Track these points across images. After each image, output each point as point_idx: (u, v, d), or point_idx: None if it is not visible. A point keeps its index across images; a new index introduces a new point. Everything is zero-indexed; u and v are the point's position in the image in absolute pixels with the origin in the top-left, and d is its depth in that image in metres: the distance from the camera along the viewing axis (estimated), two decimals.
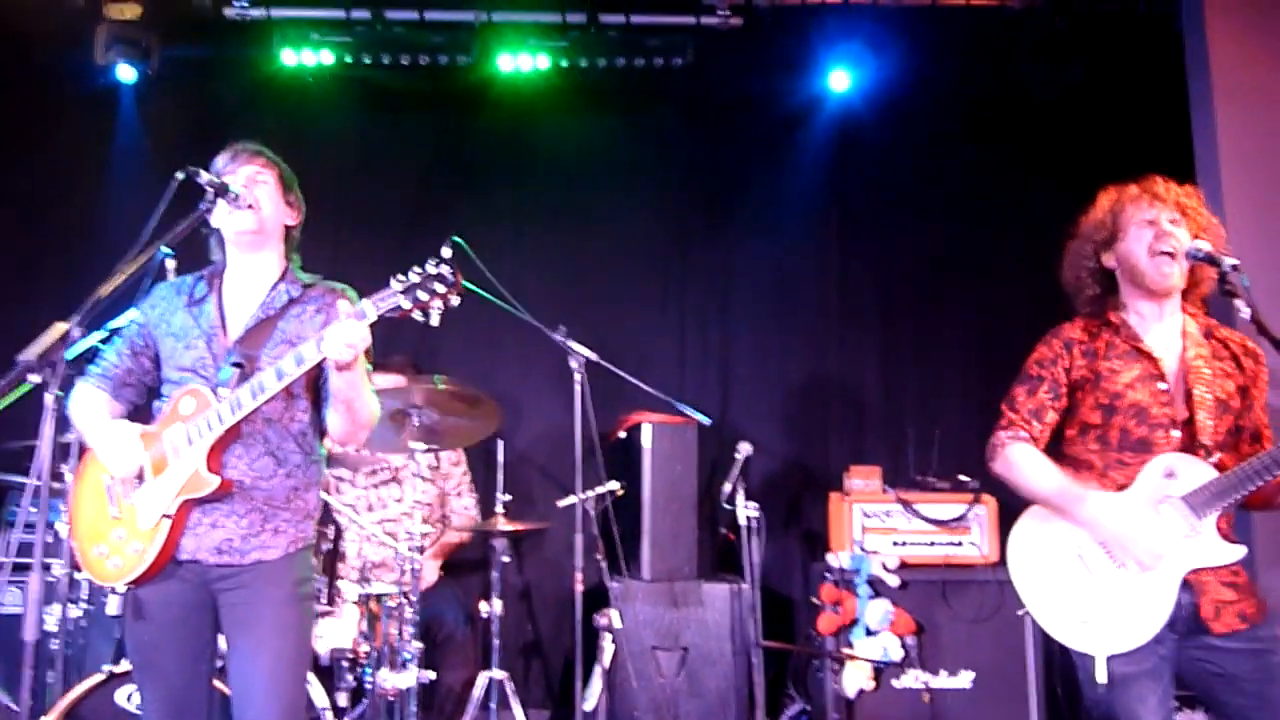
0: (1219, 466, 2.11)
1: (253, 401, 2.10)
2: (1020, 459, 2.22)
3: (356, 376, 2.13)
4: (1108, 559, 2.13)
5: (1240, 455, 2.19)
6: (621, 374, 3.42)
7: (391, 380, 3.89)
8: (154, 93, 4.56)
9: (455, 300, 2.01)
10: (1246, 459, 2.13)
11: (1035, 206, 4.50)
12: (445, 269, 1.99)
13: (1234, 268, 2.00)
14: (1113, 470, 2.17)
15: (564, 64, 4.53)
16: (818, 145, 4.68)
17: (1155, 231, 2.18)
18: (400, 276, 2.01)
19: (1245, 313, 1.96)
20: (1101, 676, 2.05)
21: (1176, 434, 2.15)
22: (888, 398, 4.64)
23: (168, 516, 2.11)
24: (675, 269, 4.72)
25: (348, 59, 4.50)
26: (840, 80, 4.61)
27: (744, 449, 3.66)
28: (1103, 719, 2.10)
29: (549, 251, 4.68)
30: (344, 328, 2.02)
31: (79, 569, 3.09)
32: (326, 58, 4.51)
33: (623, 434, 4.14)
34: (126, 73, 4.49)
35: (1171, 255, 2.15)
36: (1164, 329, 2.23)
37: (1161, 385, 2.17)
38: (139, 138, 4.54)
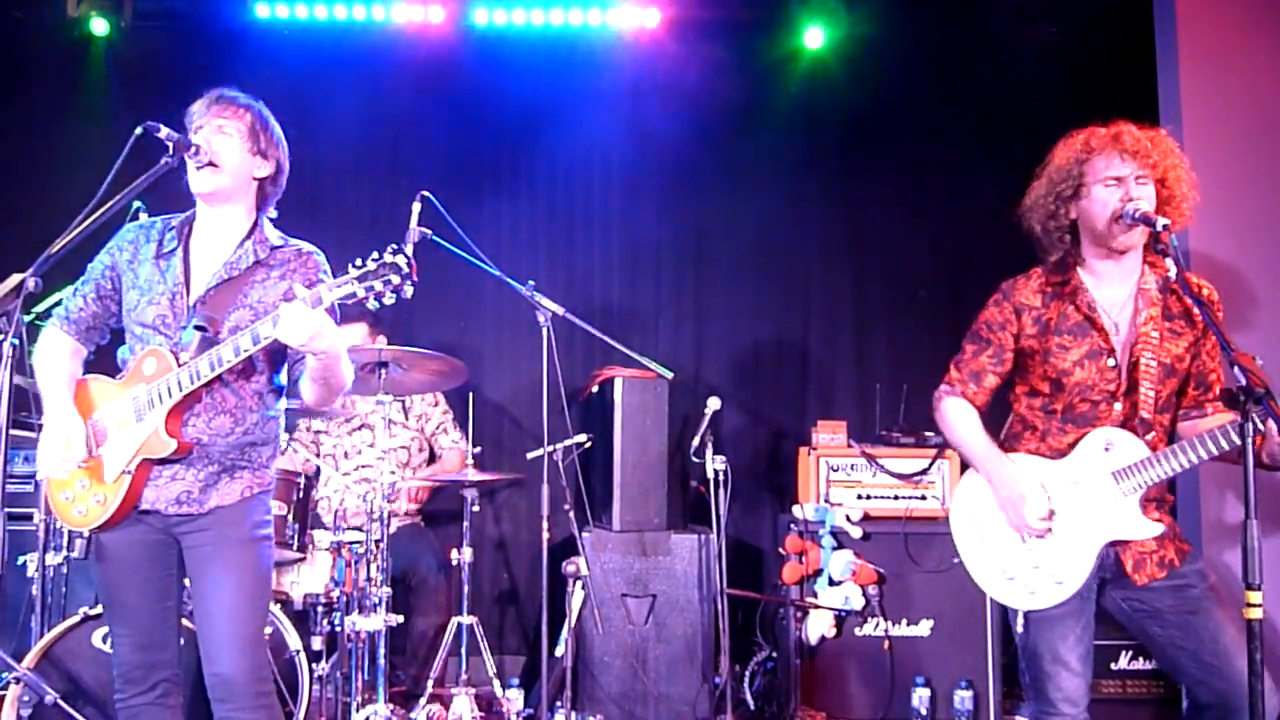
0: (1154, 444, 2.18)
1: (210, 373, 2.15)
2: (952, 415, 2.32)
3: (331, 360, 2.18)
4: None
5: (1184, 402, 2.26)
6: (588, 328, 3.47)
7: (357, 331, 3.96)
8: (127, 46, 4.55)
9: (408, 290, 2.05)
10: (1190, 419, 2.23)
11: (1008, 167, 4.50)
12: (401, 259, 2.03)
13: (1165, 228, 2.04)
14: (1053, 436, 2.24)
15: (536, 19, 4.52)
16: (792, 102, 4.69)
17: (1123, 193, 2.14)
18: (357, 263, 2.07)
19: (1173, 272, 2.01)
20: (1019, 627, 2.20)
21: (1119, 407, 2.20)
22: (859, 355, 4.71)
23: (127, 473, 2.18)
24: (651, 227, 4.76)
25: (322, 11, 4.49)
26: (814, 38, 4.60)
27: (713, 404, 3.73)
28: (1029, 653, 2.23)
29: (525, 209, 4.71)
30: (297, 315, 2.05)
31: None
32: (301, 10, 4.51)
33: (596, 388, 4.21)
34: (99, 25, 4.48)
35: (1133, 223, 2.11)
36: (1121, 289, 2.23)
37: (1110, 362, 2.19)
38: (112, 91, 4.53)
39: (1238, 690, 2.07)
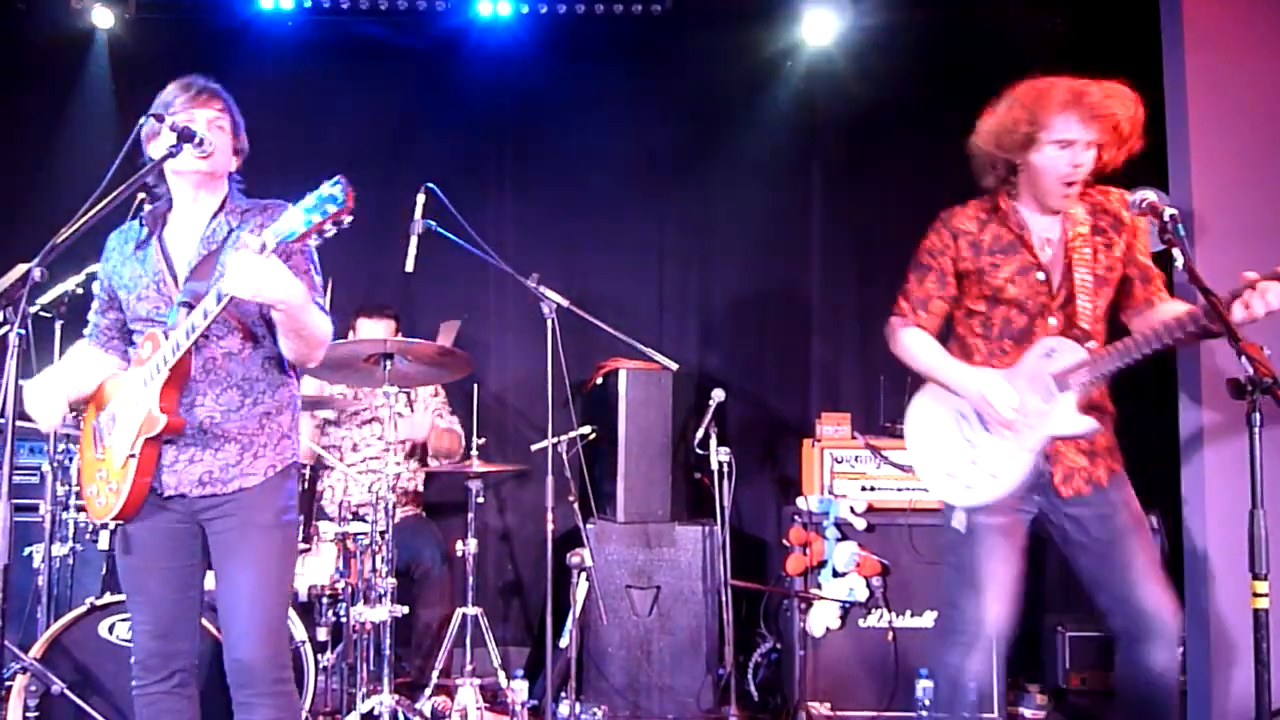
0: (1093, 350, 2.26)
1: (188, 340, 2.11)
2: (908, 342, 2.42)
3: (294, 309, 2.10)
4: (979, 422, 2.32)
5: (1130, 303, 2.36)
6: (592, 319, 3.48)
7: (385, 327, 3.97)
8: (130, 38, 4.55)
9: (347, 219, 1.97)
10: (1143, 314, 2.32)
11: None
12: (338, 189, 1.96)
13: (1173, 218, 2.04)
14: (995, 358, 2.34)
15: (543, 10, 4.53)
16: (796, 94, 4.68)
17: (1069, 158, 2.22)
18: (294, 203, 2.02)
19: (1180, 262, 2.01)
20: (959, 525, 2.28)
21: (1054, 321, 2.31)
22: (863, 347, 4.70)
23: (132, 456, 2.17)
24: (655, 219, 4.75)
25: (325, 3, 4.49)
26: (818, 28, 4.59)
27: (717, 395, 3.75)
28: (954, 561, 2.32)
29: (529, 201, 4.71)
30: (240, 264, 1.98)
31: (65, 509, 3.21)
32: (305, 2, 4.51)
33: (600, 380, 4.21)
34: (103, 17, 4.48)
35: (1076, 180, 2.23)
36: (1051, 217, 2.34)
37: (1039, 275, 2.30)
38: (115, 83, 4.53)
39: (1139, 620, 2.22)
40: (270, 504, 2.24)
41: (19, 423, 2.04)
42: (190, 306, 2.15)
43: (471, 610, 3.55)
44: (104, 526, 3.06)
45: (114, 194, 2.04)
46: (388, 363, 3.34)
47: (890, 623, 3.80)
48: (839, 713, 3.73)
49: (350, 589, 3.31)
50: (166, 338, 2.17)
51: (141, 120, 2.16)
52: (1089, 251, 2.28)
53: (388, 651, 3.21)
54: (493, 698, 3.66)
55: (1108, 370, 2.21)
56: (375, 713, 3.14)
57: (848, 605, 3.79)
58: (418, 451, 4.17)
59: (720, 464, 3.72)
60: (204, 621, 2.37)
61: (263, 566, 2.20)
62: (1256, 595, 1.82)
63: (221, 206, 2.31)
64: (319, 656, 3.20)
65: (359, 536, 3.34)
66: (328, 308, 2.33)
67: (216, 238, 2.27)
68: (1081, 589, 2.42)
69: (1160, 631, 2.20)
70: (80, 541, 3.25)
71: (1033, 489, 2.31)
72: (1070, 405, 2.23)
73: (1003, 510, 2.28)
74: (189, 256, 2.27)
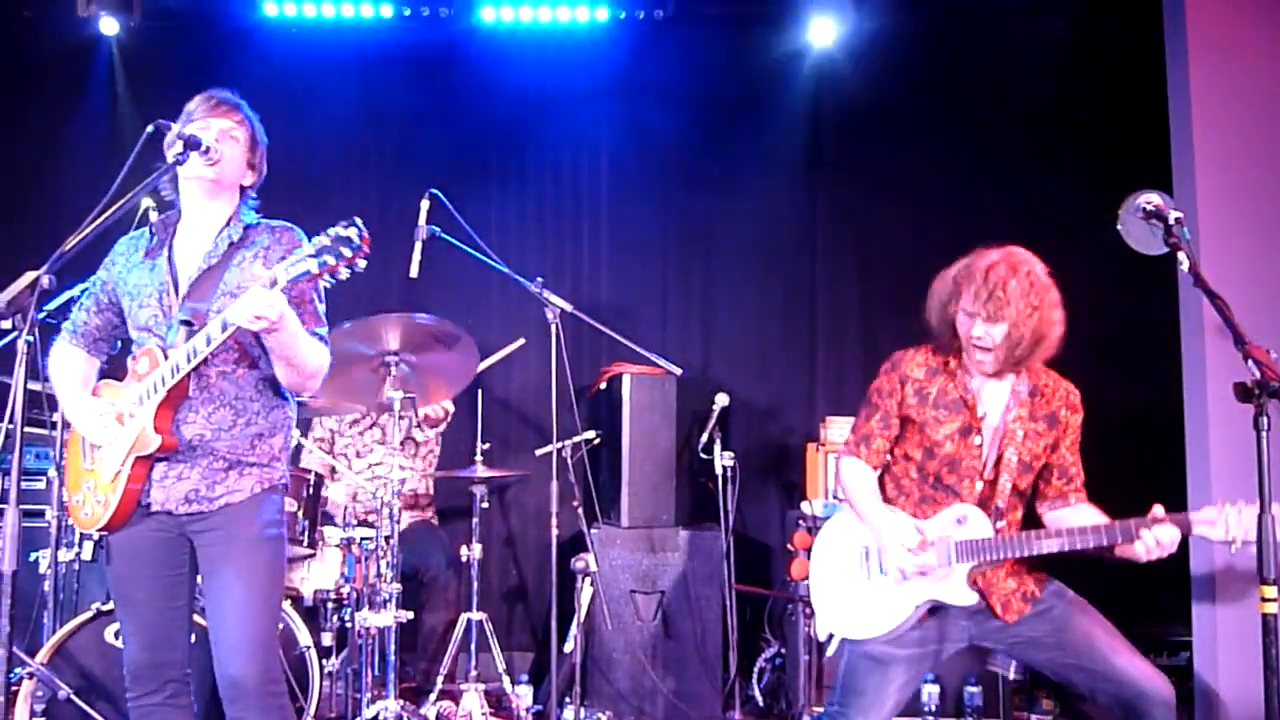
0: (1003, 529, 2.34)
1: (188, 364, 2.12)
2: (844, 473, 2.49)
3: (286, 337, 2.13)
4: (878, 562, 2.38)
5: (1046, 493, 2.43)
6: (596, 324, 3.48)
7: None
8: (136, 45, 4.57)
9: (362, 264, 2.00)
10: (1055, 509, 2.41)
11: (1015, 163, 4.54)
12: (353, 232, 1.99)
13: (1178, 221, 2.04)
14: (925, 504, 2.40)
15: (546, 14, 4.54)
16: (799, 99, 4.69)
17: (968, 329, 2.31)
18: (310, 240, 2.03)
19: (1185, 265, 2.01)
20: (830, 652, 2.40)
21: (980, 486, 2.37)
22: (867, 351, 4.70)
23: (122, 472, 2.17)
24: (658, 224, 4.76)
25: (330, 10, 4.51)
26: (821, 33, 4.60)
27: (720, 400, 3.75)
28: (847, 680, 2.37)
29: (533, 206, 4.72)
30: (251, 296, 2.01)
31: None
32: (309, 9, 4.53)
33: (604, 385, 4.21)
34: (109, 25, 4.49)
35: (986, 349, 2.29)
36: (998, 384, 2.40)
37: (976, 440, 2.37)
38: (121, 90, 4.55)
39: (1126, 686, 2.22)
40: (255, 519, 2.23)
41: (26, 429, 2.04)
42: (189, 324, 2.15)
43: (476, 615, 3.54)
44: (88, 537, 3.08)
45: (121, 201, 2.04)
46: (395, 362, 3.34)
47: None
48: None
49: (355, 594, 3.31)
50: (166, 356, 2.17)
51: (149, 128, 2.15)
52: (1022, 434, 2.35)
53: (393, 656, 3.21)
54: (497, 703, 3.66)
55: (1007, 555, 2.27)
56: (380, 718, 3.14)
57: None
58: (420, 450, 4.13)
59: (724, 469, 3.72)
60: (199, 619, 2.37)
61: (249, 581, 2.19)
62: (1265, 600, 1.81)
63: (227, 223, 2.30)
64: (324, 661, 3.21)
65: (364, 541, 3.34)
66: (329, 340, 2.33)
67: (218, 253, 2.27)
68: (1086, 589, 2.42)
69: (1156, 696, 2.19)
70: (84, 552, 3.24)
71: (963, 617, 2.36)
72: (962, 576, 2.30)
73: (911, 641, 2.34)
74: (191, 271, 2.27)
